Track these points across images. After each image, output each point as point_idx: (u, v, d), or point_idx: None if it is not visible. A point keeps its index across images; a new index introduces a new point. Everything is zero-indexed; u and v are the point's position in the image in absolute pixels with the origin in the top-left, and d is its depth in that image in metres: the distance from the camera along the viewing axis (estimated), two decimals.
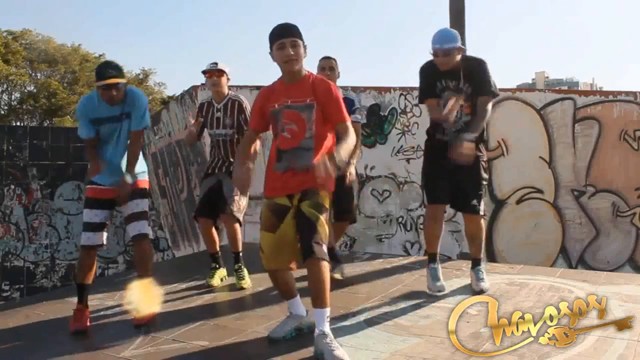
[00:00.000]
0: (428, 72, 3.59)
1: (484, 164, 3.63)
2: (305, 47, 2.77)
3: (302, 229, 2.68)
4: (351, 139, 2.71)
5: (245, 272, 4.13)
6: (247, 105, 4.12)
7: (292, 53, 2.71)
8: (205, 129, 4.28)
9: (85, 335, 3.20)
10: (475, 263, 3.74)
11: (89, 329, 3.28)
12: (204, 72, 4.16)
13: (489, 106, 3.53)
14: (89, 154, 3.43)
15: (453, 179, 3.55)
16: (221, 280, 4.23)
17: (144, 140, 3.54)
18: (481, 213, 3.63)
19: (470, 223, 3.66)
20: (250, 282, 4.10)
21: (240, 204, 4.08)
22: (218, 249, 4.24)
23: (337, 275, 4.03)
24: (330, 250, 4.11)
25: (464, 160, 3.33)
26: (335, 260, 4.12)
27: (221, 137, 4.16)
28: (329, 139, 2.81)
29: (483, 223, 3.68)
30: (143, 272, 3.40)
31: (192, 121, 4.21)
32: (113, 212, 3.51)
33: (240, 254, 4.16)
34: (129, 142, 3.41)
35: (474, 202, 3.56)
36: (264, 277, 4.18)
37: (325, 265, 2.63)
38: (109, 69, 3.26)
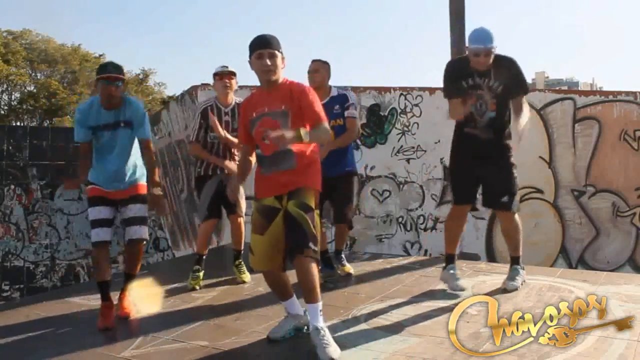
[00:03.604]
0: (455, 69, 3.55)
1: (513, 160, 3.58)
2: (283, 58, 2.85)
3: (289, 228, 2.73)
4: (322, 133, 2.78)
5: (245, 267, 4.29)
6: None
7: (269, 64, 2.79)
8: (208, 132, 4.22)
9: (86, 335, 3.20)
10: (512, 261, 3.75)
11: (114, 326, 3.30)
12: (215, 75, 4.16)
13: (526, 103, 3.53)
14: (81, 163, 3.49)
15: (485, 179, 3.54)
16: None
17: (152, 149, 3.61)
18: (514, 210, 3.56)
19: (502, 220, 3.64)
20: (250, 278, 4.24)
21: (243, 204, 4.25)
22: (205, 250, 4.29)
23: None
24: (323, 253, 4.09)
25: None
26: (328, 265, 4.14)
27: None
28: (310, 145, 2.85)
29: (518, 219, 3.61)
30: (133, 270, 3.56)
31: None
32: (116, 210, 3.54)
33: (242, 252, 4.30)
34: (132, 147, 3.50)
35: (505, 198, 3.52)
36: (263, 277, 4.19)
37: (313, 262, 2.69)
38: (110, 66, 3.38)
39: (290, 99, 2.81)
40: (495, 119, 3.51)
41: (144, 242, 3.56)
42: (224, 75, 4.13)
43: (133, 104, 3.47)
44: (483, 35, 3.39)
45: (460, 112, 3.48)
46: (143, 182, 3.58)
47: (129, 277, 3.57)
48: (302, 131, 2.66)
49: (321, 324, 2.68)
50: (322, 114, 2.84)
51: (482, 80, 3.49)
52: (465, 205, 3.64)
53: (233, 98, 4.20)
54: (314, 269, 2.70)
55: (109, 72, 3.34)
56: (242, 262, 4.30)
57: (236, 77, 4.19)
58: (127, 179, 3.48)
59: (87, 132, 3.39)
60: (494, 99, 3.49)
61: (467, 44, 3.48)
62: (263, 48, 2.81)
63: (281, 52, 2.86)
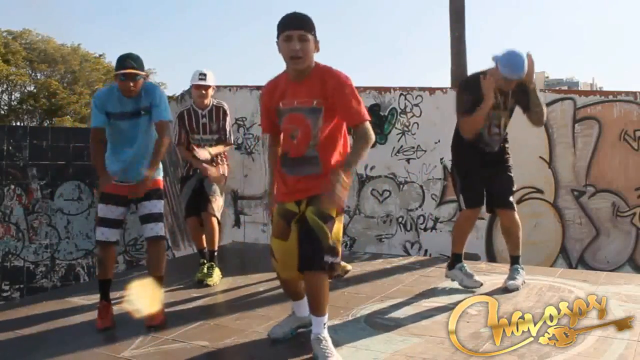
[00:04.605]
0: (477, 86, 3.56)
1: (511, 162, 3.81)
2: (317, 42, 2.51)
3: (303, 238, 2.54)
4: (365, 143, 2.46)
5: (216, 270, 4.27)
6: (228, 110, 4.39)
7: (299, 49, 2.43)
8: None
9: (86, 335, 3.20)
10: (512, 261, 3.83)
11: (114, 325, 3.27)
12: (192, 84, 4.33)
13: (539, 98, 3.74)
14: (94, 154, 3.32)
15: (490, 182, 3.73)
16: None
17: (170, 136, 3.41)
18: (515, 207, 3.77)
19: (505, 219, 3.77)
20: (218, 280, 4.24)
21: (219, 203, 4.31)
22: (205, 245, 4.40)
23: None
24: None
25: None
26: None
27: (207, 142, 4.33)
28: (339, 144, 2.61)
29: (518, 218, 3.78)
30: (157, 272, 3.36)
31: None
32: (129, 209, 3.44)
33: (215, 253, 4.33)
34: (150, 136, 3.33)
35: (510, 198, 3.75)
36: (263, 277, 4.20)
37: (325, 278, 2.53)
38: (128, 59, 3.19)
39: (322, 92, 2.47)
40: (499, 134, 3.70)
41: (163, 240, 3.35)
42: (200, 87, 4.31)
43: (150, 88, 3.31)
44: (520, 64, 3.44)
45: (477, 130, 3.58)
46: (159, 177, 3.44)
47: (154, 279, 3.34)
48: (337, 176, 2.37)
49: (324, 334, 2.60)
50: (364, 111, 2.48)
51: (501, 99, 3.60)
52: (478, 208, 3.79)
53: (210, 101, 4.37)
54: (324, 285, 2.53)
55: (127, 67, 3.15)
56: (214, 265, 4.27)
57: (212, 86, 4.36)
58: (142, 172, 3.27)
59: (104, 117, 3.23)
60: (508, 118, 3.67)
61: (497, 64, 3.47)
62: (293, 29, 2.43)
63: (314, 35, 2.47)
